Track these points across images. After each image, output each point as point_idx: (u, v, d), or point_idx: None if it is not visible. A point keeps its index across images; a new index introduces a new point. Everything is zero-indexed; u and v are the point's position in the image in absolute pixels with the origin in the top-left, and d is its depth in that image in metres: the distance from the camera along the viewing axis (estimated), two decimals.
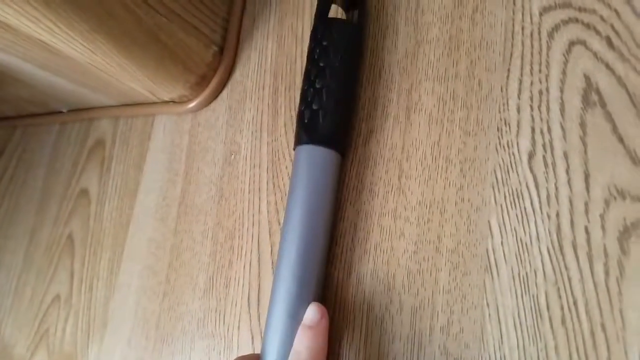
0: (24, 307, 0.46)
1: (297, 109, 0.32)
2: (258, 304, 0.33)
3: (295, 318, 0.28)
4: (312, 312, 0.28)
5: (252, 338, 0.32)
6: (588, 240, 0.24)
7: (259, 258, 0.34)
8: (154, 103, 0.43)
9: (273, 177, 0.35)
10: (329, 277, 0.30)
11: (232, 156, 0.38)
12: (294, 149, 0.31)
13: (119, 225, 0.42)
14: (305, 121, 0.30)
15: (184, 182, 0.40)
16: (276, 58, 0.38)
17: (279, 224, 0.34)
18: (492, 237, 0.26)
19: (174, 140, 0.42)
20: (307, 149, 0.30)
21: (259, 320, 0.32)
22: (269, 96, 0.37)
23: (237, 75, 0.40)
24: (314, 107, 0.30)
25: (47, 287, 0.45)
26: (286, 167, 0.35)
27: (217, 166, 0.38)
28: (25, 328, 0.45)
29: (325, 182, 0.29)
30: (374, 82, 0.32)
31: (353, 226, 0.31)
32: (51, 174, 0.50)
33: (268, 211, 0.35)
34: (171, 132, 0.42)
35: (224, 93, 0.40)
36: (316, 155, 0.30)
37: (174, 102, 0.41)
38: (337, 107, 0.30)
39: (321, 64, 0.30)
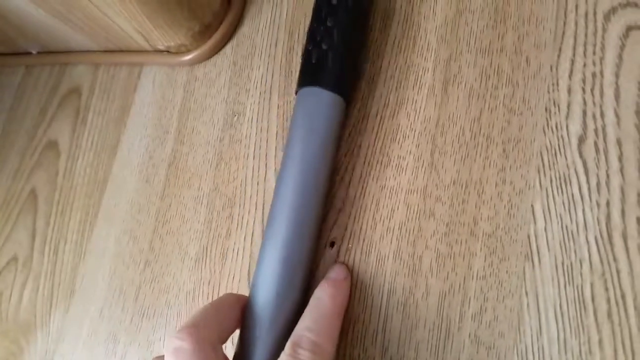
0: None
1: (303, 48, 0.29)
2: None
3: (287, 262, 0.26)
4: (338, 269, 0.27)
5: None
6: None
7: (262, 229, 0.31)
8: (144, 52, 0.38)
9: (283, 142, 0.32)
10: (347, 254, 0.28)
11: (235, 117, 0.34)
12: (295, 93, 0.29)
13: (93, 183, 0.38)
14: (313, 61, 0.27)
15: (176, 142, 0.36)
16: (293, 12, 0.35)
17: None
18: (535, 222, 0.25)
19: (165, 94, 0.38)
20: (313, 92, 0.27)
21: None
22: (282, 54, 0.34)
23: (245, 29, 0.36)
24: (324, 47, 0.27)
25: (1, 247, 0.40)
26: None
27: (217, 127, 0.35)
28: None
29: (330, 130, 0.27)
30: (407, 48, 0.30)
31: (375, 203, 0.28)
32: (12, 121, 0.44)
33: (275, 180, 0.32)
34: (162, 85, 0.38)
35: (229, 47, 0.36)
36: (322, 99, 0.27)
37: (169, 52, 0.37)
38: (348, 50, 0.28)
39: (333, 2, 0.28)
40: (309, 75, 0.28)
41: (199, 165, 0.34)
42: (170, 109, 0.37)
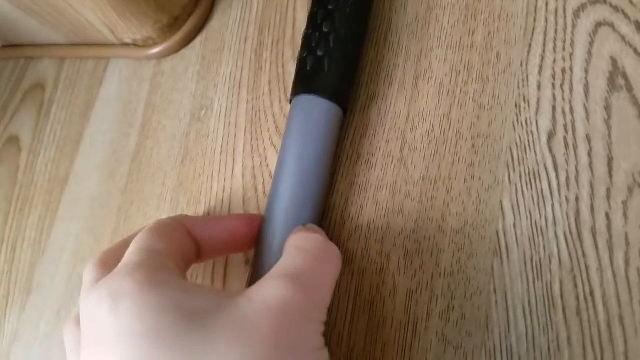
0: None
1: (298, 56, 0.28)
2: (224, 277, 0.29)
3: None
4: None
5: None
6: (609, 227, 0.22)
7: None
8: (111, 45, 0.37)
9: (252, 138, 0.31)
10: None
11: (203, 111, 0.33)
12: (289, 101, 0.28)
13: (55, 179, 0.36)
14: (308, 69, 0.26)
15: (140, 137, 0.35)
16: (263, 9, 0.34)
17: (256, 191, 0.30)
18: (503, 218, 0.24)
19: (131, 88, 0.36)
20: (308, 100, 0.26)
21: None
22: (251, 50, 0.33)
23: (214, 23, 0.35)
24: (319, 53, 0.26)
25: None
26: (268, 130, 0.31)
27: (183, 122, 0.34)
28: None
29: (327, 139, 0.26)
30: (379, 44, 0.30)
31: (345, 200, 0.28)
32: None
33: (243, 176, 0.31)
34: (128, 79, 0.37)
35: (197, 41, 0.35)
36: (318, 107, 0.26)
37: (135, 45, 0.36)
38: (345, 57, 0.27)
39: (330, 7, 0.27)
40: (304, 83, 0.27)
41: (163, 160, 0.33)
42: (136, 103, 0.36)
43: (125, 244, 0.23)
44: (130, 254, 0.21)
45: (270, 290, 0.19)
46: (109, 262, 0.22)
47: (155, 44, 0.35)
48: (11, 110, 0.41)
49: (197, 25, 0.35)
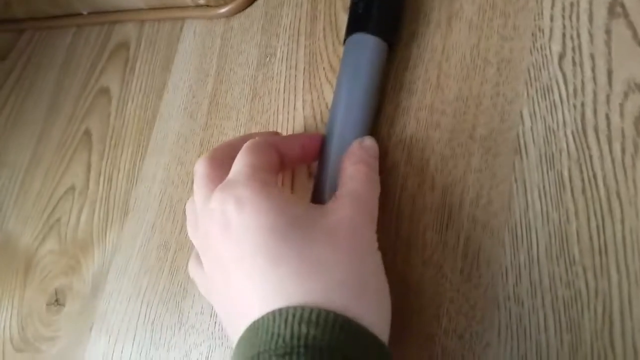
0: (30, 200, 0.47)
1: (350, 1, 0.34)
2: (292, 187, 0.35)
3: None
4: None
5: None
6: (608, 125, 0.28)
7: None
8: (185, 7, 0.44)
9: (310, 77, 0.38)
10: None
11: (267, 58, 0.40)
12: (343, 42, 0.34)
13: (143, 121, 0.44)
14: (360, 12, 0.33)
15: (215, 82, 0.41)
16: None
17: (315, 120, 0.36)
18: (523, 124, 0.30)
19: (205, 42, 0.43)
20: (360, 38, 0.32)
21: None
22: (307, 2, 0.40)
23: None
24: None
25: (59, 180, 0.46)
26: (324, 69, 0.37)
27: (251, 67, 0.40)
28: (32, 220, 0.46)
29: (376, 69, 0.32)
30: None
31: (390, 121, 0.34)
32: (65, 75, 0.50)
33: (304, 108, 0.37)
34: (202, 35, 0.44)
35: (260, 0, 0.42)
36: (369, 43, 0.32)
37: (208, 5, 0.43)
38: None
39: None
40: (357, 23, 0.33)
41: (236, 99, 0.40)
42: (210, 55, 0.42)
43: (229, 146, 0.30)
44: (240, 167, 0.27)
45: (341, 208, 0.27)
46: (218, 159, 0.29)
47: (225, 4, 0.42)
48: (100, 66, 0.48)
49: None
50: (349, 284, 0.24)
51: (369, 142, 0.31)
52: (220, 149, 0.30)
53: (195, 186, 0.29)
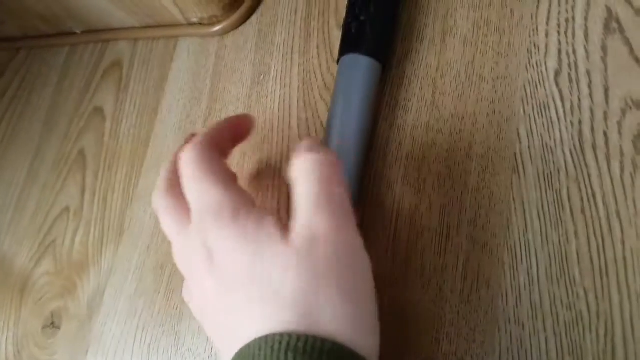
0: (26, 221, 0.46)
1: (343, 21, 0.34)
2: (288, 210, 0.35)
3: None
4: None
5: None
6: (606, 143, 0.28)
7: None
8: (178, 25, 0.44)
9: (304, 95, 0.37)
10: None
11: (262, 76, 0.39)
12: (337, 62, 0.33)
13: (137, 142, 0.43)
14: (353, 32, 0.32)
15: (210, 100, 0.41)
16: None
17: None
18: (520, 142, 0.30)
19: (198, 61, 0.43)
20: (353, 58, 0.32)
21: None
22: (301, 20, 0.39)
23: (268, 1, 0.41)
24: (362, 18, 0.32)
25: (54, 200, 0.45)
26: (318, 87, 0.37)
27: (245, 86, 0.40)
28: (28, 241, 0.45)
29: (369, 90, 0.32)
30: (411, 7, 0.35)
31: (385, 139, 0.33)
32: (60, 93, 0.49)
33: (299, 126, 0.37)
34: (196, 53, 0.43)
35: (254, 18, 0.42)
36: (362, 63, 0.32)
37: (201, 24, 0.43)
38: (383, 20, 0.33)
39: None
40: (350, 44, 0.33)
41: None
42: (204, 74, 0.42)
43: (169, 172, 0.30)
44: (199, 200, 0.26)
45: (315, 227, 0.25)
46: (171, 188, 0.29)
47: (218, 22, 0.42)
48: (94, 85, 0.48)
49: (254, 4, 0.41)
50: (336, 308, 0.23)
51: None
52: (164, 179, 0.30)
53: (162, 223, 0.29)
